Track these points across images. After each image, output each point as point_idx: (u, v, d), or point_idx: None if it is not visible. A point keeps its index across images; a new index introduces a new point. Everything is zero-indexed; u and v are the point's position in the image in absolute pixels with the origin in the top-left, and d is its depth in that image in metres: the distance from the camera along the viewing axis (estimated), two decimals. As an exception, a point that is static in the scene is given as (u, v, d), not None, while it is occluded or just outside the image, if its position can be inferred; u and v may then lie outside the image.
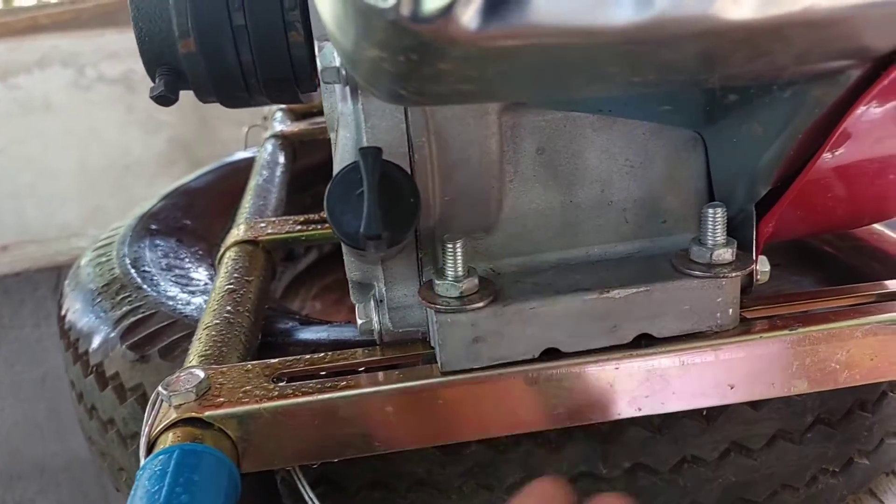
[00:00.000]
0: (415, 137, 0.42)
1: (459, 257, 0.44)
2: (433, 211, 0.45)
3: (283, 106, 1.20)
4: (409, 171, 0.43)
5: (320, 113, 1.18)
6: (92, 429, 0.67)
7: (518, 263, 0.49)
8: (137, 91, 2.53)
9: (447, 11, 0.26)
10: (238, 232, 0.72)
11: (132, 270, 0.75)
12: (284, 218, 0.74)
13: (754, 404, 0.52)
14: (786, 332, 0.46)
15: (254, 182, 0.88)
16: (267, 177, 0.88)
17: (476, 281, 0.45)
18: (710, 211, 0.45)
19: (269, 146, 1.01)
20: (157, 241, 0.83)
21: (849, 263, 0.63)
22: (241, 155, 1.10)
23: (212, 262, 0.82)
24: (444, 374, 0.45)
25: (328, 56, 0.40)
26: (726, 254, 0.45)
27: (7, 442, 1.31)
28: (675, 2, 0.27)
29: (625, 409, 0.46)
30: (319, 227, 0.71)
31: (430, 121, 0.42)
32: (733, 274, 0.45)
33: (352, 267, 0.49)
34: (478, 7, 0.26)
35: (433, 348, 0.48)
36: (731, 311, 0.46)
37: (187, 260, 0.81)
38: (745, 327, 0.47)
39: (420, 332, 0.49)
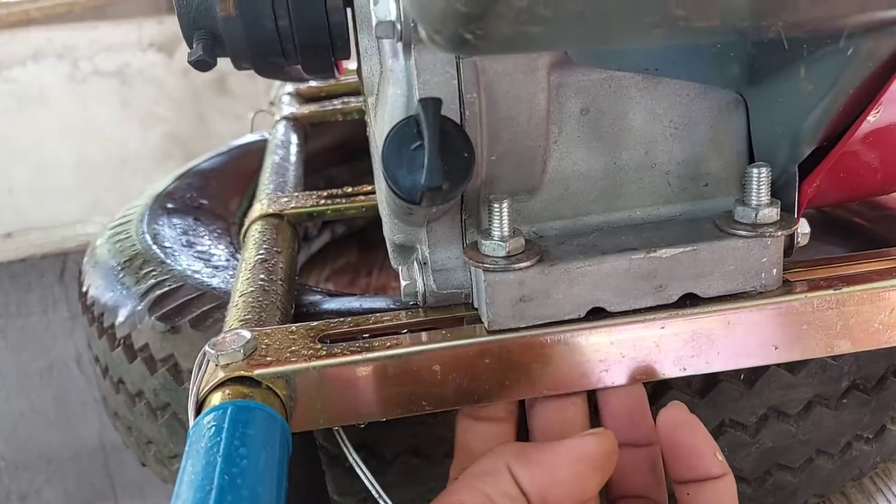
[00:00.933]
0: (466, 93, 0.42)
1: (506, 217, 0.44)
2: (480, 171, 0.45)
3: (289, 90, 1.19)
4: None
5: (328, 97, 1.17)
6: (119, 403, 0.66)
7: (561, 226, 0.49)
8: (133, 84, 2.51)
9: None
10: (262, 206, 0.71)
11: (154, 246, 0.74)
12: (307, 193, 0.74)
13: (792, 368, 0.52)
14: (830, 291, 0.46)
15: (270, 160, 0.87)
16: (283, 155, 0.88)
17: (522, 241, 0.45)
18: (755, 171, 0.45)
19: (280, 128, 1.01)
20: (175, 220, 0.83)
21: (879, 233, 0.63)
22: (251, 138, 1.09)
23: (231, 240, 0.82)
24: (491, 332, 0.45)
25: (384, 9, 0.40)
26: (771, 213, 0.45)
27: (13, 431, 1.30)
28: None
29: (670, 368, 0.46)
30: (343, 201, 0.71)
31: (481, 76, 0.42)
32: (778, 233, 0.45)
33: (395, 229, 0.49)
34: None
35: (476, 310, 0.48)
36: (775, 271, 0.46)
37: (206, 237, 0.81)
38: (788, 288, 0.47)
39: (463, 295, 0.49)
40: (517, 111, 0.44)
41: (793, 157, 0.47)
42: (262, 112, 1.25)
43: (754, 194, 0.46)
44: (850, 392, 0.54)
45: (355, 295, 0.63)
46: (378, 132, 0.48)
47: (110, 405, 0.69)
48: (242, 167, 0.99)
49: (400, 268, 0.50)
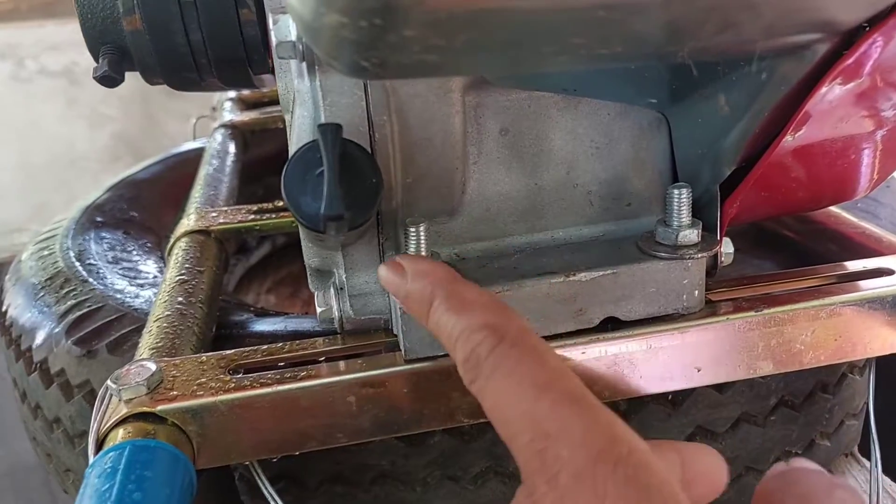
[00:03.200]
0: (375, 115, 0.41)
1: (423, 242, 0.43)
2: (395, 194, 0.44)
3: (232, 95, 1.17)
4: (370, 151, 0.41)
5: (271, 103, 1.15)
6: (36, 429, 0.64)
7: (482, 248, 0.48)
8: (81, 84, 2.46)
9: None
10: (189, 221, 0.69)
11: (77, 263, 0.72)
12: (237, 207, 0.71)
13: (720, 388, 0.52)
14: (752, 313, 0.46)
15: (204, 171, 0.85)
16: (217, 166, 0.86)
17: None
18: (676, 192, 0.45)
19: (218, 136, 0.98)
20: (103, 234, 0.80)
21: (808, 247, 0.63)
22: (190, 146, 1.07)
23: (161, 254, 0.79)
24: (409, 361, 0.44)
25: (284, 30, 0.38)
26: (692, 235, 0.45)
27: (-55, 448, 1.26)
28: (649, -34, 0.26)
29: (598, 395, 0.45)
30: (273, 216, 0.69)
31: (391, 98, 0.41)
32: (699, 255, 0.45)
33: (310, 253, 0.47)
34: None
35: (396, 336, 0.46)
36: (696, 292, 0.46)
37: (135, 252, 0.78)
38: (710, 309, 0.47)
39: (382, 320, 0.48)
40: (431, 133, 0.42)
41: (714, 177, 0.46)
42: (204, 118, 1.22)
43: (675, 215, 0.45)
44: (778, 408, 0.54)
45: (284, 314, 0.62)
46: (290, 152, 0.46)
47: (30, 431, 0.67)
48: (179, 177, 0.96)
49: (316, 293, 0.48)
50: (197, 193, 0.78)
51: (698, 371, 0.46)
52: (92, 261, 0.73)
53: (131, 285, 0.68)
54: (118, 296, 0.65)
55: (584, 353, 0.44)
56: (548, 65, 0.37)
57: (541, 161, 0.47)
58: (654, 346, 0.45)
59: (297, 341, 0.48)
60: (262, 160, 1.04)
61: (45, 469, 1.27)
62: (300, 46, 0.38)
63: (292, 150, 0.43)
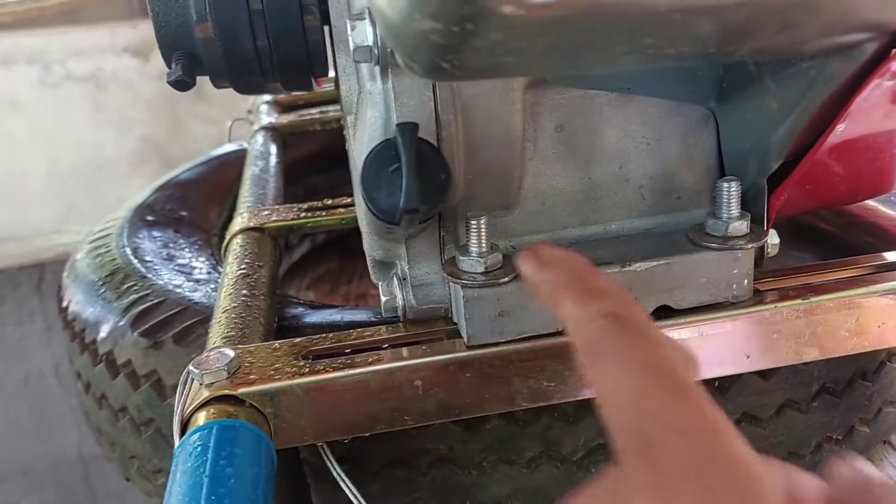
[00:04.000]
0: (443, 114, 0.43)
1: (483, 234, 0.45)
2: (457, 188, 0.46)
3: (267, 99, 1.19)
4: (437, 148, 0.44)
5: (306, 105, 1.18)
6: (101, 419, 0.67)
7: (538, 240, 0.50)
8: (107, 89, 2.49)
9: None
10: (243, 219, 0.72)
11: (134, 260, 0.74)
12: (288, 206, 0.74)
13: (764, 374, 0.54)
14: (799, 301, 0.48)
15: (249, 172, 0.88)
16: (262, 167, 0.88)
17: (500, 257, 0.46)
18: (725, 185, 0.47)
19: (259, 138, 1.01)
20: (155, 232, 0.83)
21: (845, 239, 0.65)
22: (229, 147, 1.10)
23: (211, 252, 0.82)
24: (471, 347, 0.46)
25: (361, 35, 0.41)
26: (741, 226, 0.47)
27: (-10, 444, 1.29)
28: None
29: (646, 378, 0.47)
30: (323, 213, 0.72)
31: (457, 98, 0.43)
32: (749, 245, 0.47)
33: (374, 246, 0.50)
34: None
35: (456, 324, 0.49)
36: (745, 282, 0.48)
37: (187, 250, 0.81)
38: (758, 298, 0.49)
39: (443, 309, 0.50)
40: (493, 131, 0.45)
41: (761, 171, 0.48)
42: (239, 120, 1.25)
43: (724, 207, 0.47)
44: (820, 395, 0.56)
45: (336, 307, 0.64)
46: (357, 152, 0.49)
47: (93, 421, 0.70)
48: (222, 178, 0.99)
49: (380, 283, 0.51)
50: (247, 193, 0.81)
51: (748, 357, 0.48)
52: (148, 257, 0.76)
53: (188, 280, 0.71)
54: (178, 290, 0.68)
55: (638, 339, 0.47)
56: (615, 65, 0.39)
57: (594, 156, 0.49)
58: (705, 333, 0.47)
59: (363, 329, 0.50)
60: (300, 161, 1.07)
61: (85, 464, 1.31)
62: (376, 51, 0.41)
63: (361, 148, 0.45)
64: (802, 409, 0.56)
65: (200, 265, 0.77)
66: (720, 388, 0.54)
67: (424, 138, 0.42)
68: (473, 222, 0.45)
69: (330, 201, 0.74)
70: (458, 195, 0.46)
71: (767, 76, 0.44)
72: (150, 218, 0.86)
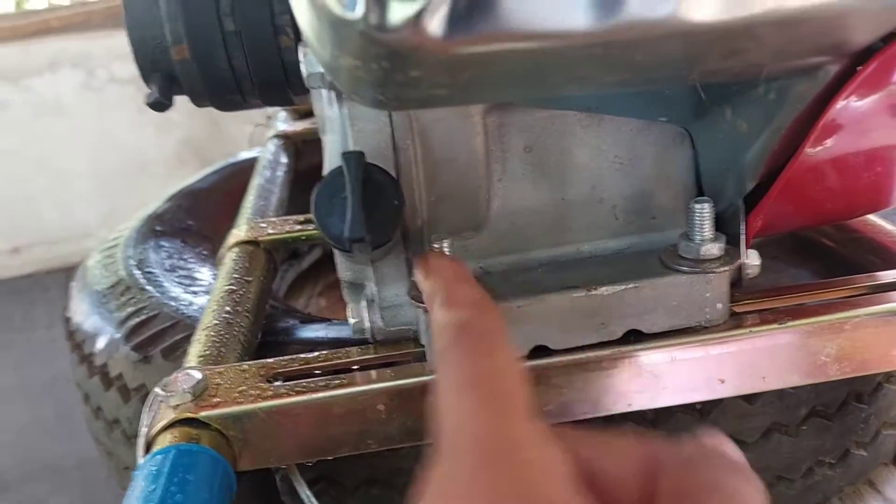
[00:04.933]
0: (399, 140, 0.43)
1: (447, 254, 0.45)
2: (420, 211, 0.46)
3: (281, 108, 1.20)
4: (395, 174, 0.43)
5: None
6: (98, 429, 0.68)
7: (508, 262, 0.49)
8: (148, 91, 2.54)
9: (414, 21, 0.26)
10: (239, 232, 0.72)
11: (136, 272, 0.76)
12: (285, 218, 0.74)
13: (748, 398, 0.52)
14: (775, 325, 0.46)
15: (255, 182, 0.88)
16: (269, 177, 0.89)
17: (465, 279, 0.45)
18: (698, 206, 0.45)
19: (271, 146, 1.02)
20: (162, 242, 0.84)
21: (845, 255, 0.63)
22: (245, 155, 1.11)
23: (214, 263, 0.83)
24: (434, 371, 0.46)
25: (313, 62, 0.41)
26: (714, 249, 0.46)
27: (17, 443, 1.33)
28: (641, 5, 0.28)
29: (615, 404, 0.47)
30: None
31: (414, 123, 0.43)
32: (721, 269, 0.45)
33: (343, 267, 0.50)
34: (444, 15, 0.26)
35: (423, 346, 0.48)
36: (719, 305, 0.46)
37: (191, 260, 0.82)
38: (735, 322, 0.47)
39: (411, 331, 0.50)
40: (454, 153, 0.44)
41: (738, 191, 0.47)
42: (260, 126, 1.27)
43: (697, 229, 0.46)
44: (809, 419, 0.54)
45: (327, 321, 0.64)
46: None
47: (92, 430, 0.71)
48: (234, 186, 1.00)
49: (350, 304, 0.50)
50: (248, 204, 0.81)
51: (722, 383, 0.47)
52: (150, 269, 0.77)
53: (186, 293, 0.72)
54: (172, 303, 0.68)
55: (606, 364, 0.46)
56: (556, 91, 0.39)
57: (566, 177, 0.48)
58: (676, 357, 0.46)
59: (332, 351, 0.50)
60: (315, 169, 1.07)
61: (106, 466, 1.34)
62: (328, 77, 0.41)
63: (325, 173, 0.45)
64: (791, 432, 0.54)
65: (203, 277, 0.78)
66: (701, 411, 0.52)
67: (377, 164, 0.41)
68: (436, 245, 0.44)
69: (326, 214, 0.74)
70: (420, 218, 0.46)
71: (731, 97, 0.43)
72: (158, 228, 0.88)
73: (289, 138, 1.04)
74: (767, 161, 0.45)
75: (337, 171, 0.41)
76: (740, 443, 0.53)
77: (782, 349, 0.47)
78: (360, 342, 0.52)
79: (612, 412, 0.47)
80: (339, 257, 0.49)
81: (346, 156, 0.38)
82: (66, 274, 1.72)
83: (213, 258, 0.84)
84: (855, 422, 0.56)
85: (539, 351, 0.46)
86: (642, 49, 0.31)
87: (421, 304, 0.44)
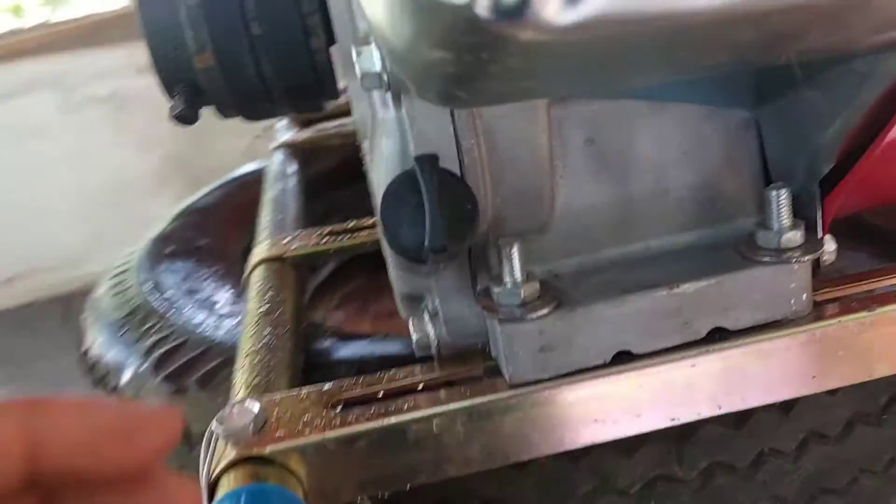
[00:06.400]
0: (463, 140, 0.40)
1: (517, 261, 0.42)
2: (485, 215, 0.43)
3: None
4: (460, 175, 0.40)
5: (326, 118, 1.15)
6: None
7: (576, 263, 0.46)
8: (128, 109, 2.49)
9: (530, 5, 0.23)
10: (262, 249, 0.69)
11: (154, 297, 0.72)
12: (308, 231, 0.71)
13: (830, 389, 0.50)
14: (864, 313, 0.44)
15: (269, 195, 0.85)
16: (281, 188, 0.86)
17: (537, 285, 0.42)
18: (774, 192, 0.43)
19: (277, 157, 0.99)
20: (175, 264, 0.81)
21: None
22: (248, 168, 1.07)
23: (235, 280, 0.80)
24: (513, 387, 0.43)
25: (368, 61, 0.38)
26: (795, 236, 0.43)
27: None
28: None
29: (705, 407, 0.44)
30: (346, 237, 0.69)
31: (477, 121, 0.40)
32: (805, 257, 0.43)
33: (401, 280, 0.46)
34: (562, -2, 0.23)
35: (494, 359, 0.45)
36: (804, 296, 0.44)
37: (209, 281, 0.78)
38: (819, 312, 0.45)
39: (479, 343, 0.47)
40: (519, 151, 0.41)
41: (811, 175, 0.44)
42: (260, 137, 1.23)
43: (775, 217, 0.43)
44: (890, 406, 0.52)
45: (366, 337, 0.61)
46: (375, 181, 0.46)
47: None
48: (242, 200, 0.97)
49: (410, 319, 0.47)
50: (266, 219, 0.78)
51: (813, 377, 0.44)
52: (169, 293, 0.73)
53: (210, 316, 0.68)
54: (200, 328, 0.65)
55: (693, 366, 0.43)
56: (650, 79, 0.36)
57: (629, 169, 0.45)
58: (765, 353, 0.43)
59: (394, 370, 0.47)
60: (322, 177, 1.04)
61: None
62: (385, 77, 0.38)
63: (379, 178, 0.42)
64: (872, 422, 0.52)
65: (223, 298, 0.74)
66: (783, 406, 0.50)
67: (445, 167, 0.38)
68: (506, 249, 0.41)
69: (352, 223, 0.71)
70: (486, 220, 0.43)
71: (816, 75, 0.40)
72: (169, 249, 0.84)
73: (295, 147, 1.01)
74: (845, 141, 0.42)
75: (402, 179, 0.38)
76: (823, 437, 0.51)
77: (872, 337, 0.44)
78: (411, 359, 0.49)
79: (702, 416, 0.44)
80: (396, 270, 0.46)
81: (420, 159, 0.35)
82: (64, 302, 1.67)
83: (230, 276, 0.81)
84: (935, 406, 0.54)
85: (621, 356, 0.43)
86: (758, 25, 0.28)
87: (495, 316, 0.42)
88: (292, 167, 0.95)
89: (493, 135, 0.40)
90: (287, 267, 0.66)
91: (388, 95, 0.39)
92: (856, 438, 0.52)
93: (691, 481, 0.50)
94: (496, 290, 0.42)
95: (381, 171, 0.42)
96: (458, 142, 0.40)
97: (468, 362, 0.46)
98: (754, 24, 0.28)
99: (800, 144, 0.44)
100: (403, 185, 0.38)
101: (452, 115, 0.39)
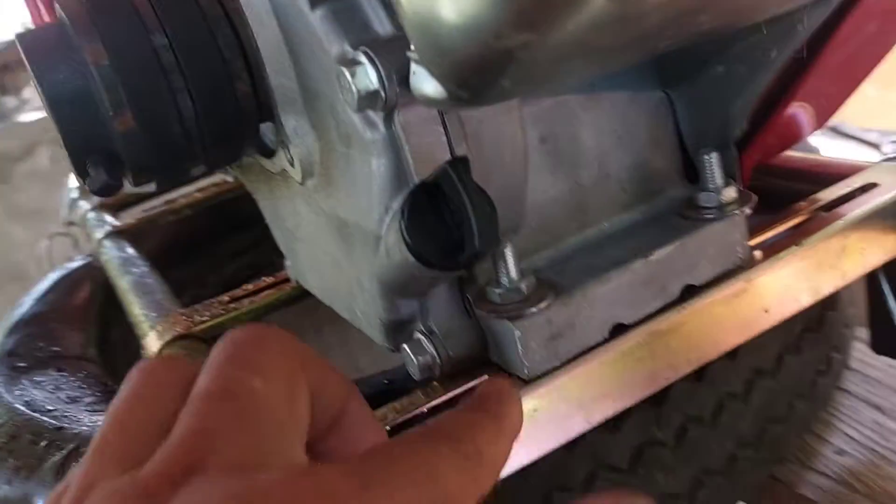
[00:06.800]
0: (456, 147, 0.41)
1: (511, 260, 0.43)
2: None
3: (88, 206, 1.08)
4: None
5: (138, 201, 1.08)
6: None
7: (547, 256, 0.48)
8: None
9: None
10: (160, 332, 0.63)
11: (37, 415, 0.63)
12: (206, 303, 0.66)
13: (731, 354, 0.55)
14: (794, 247, 0.50)
15: (124, 284, 0.78)
16: (140, 272, 0.79)
17: (534, 279, 0.44)
18: (706, 157, 0.48)
19: (108, 245, 0.91)
20: (37, 378, 0.71)
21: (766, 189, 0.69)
22: (74, 265, 0.98)
23: (106, 382, 0.72)
24: (529, 381, 0.43)
25: (364, 79, 0.37)
26: (731, 192, 0.48)
27: None
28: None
29: (692, 361, 0.47)
30: (250, 300, 0.66)
31: (466, 127, 0.41)
32: (746, 209, 0.48)
33: (387, 309, 0.45)
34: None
35: (496, 364, 0.46)
36: (746, 243, 0.49)
37: (83, 386, 0.70)
38: (759, 254, 0.50)
39: (476, 353, 0.47)
40: (502, 152, 0.43)
41: (726, 140, 0.50)
42: (60, 235, 1.12)
43: (711, 179, 0.48)
44: (804, 335, 0.59)
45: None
46: (345, 211, 0.45)
47: None
48: (81, 300, 0.88)
49: (404, 346, 0.46)
50: (136, 306, 0.71)
51: (766, 312, 0.50)
52: (49, 406, 0.65)
53: (113, 418, 0.61)
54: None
55: (674, 323, 0.46)
56: (643, 55, 0.39)
57: (578, 160, 0.49)
58: (730, 300, 0.48)
59: (395, 402, 0.45)
60: (155, 259, 0.97)
61: None
62: (383, 93, 0.37)
63: (353, 209, 0.42)
64: (793, 350, 0.58)
65: (110, 395, 0.67)
66: (729, 353, 0.55)
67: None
68: (499, 251, 0.42)
69: (251, 286, 0.67)
70: (473, 228, 0.44)
71: (731, 48, 0.46)
72: (21, 365, 0.74)
73: (125, 232, 0.93)
74: (757, 102, 0.48)
75: (416, 193, 0.37)
76: (762, 372, 0.57)
77: (807, 265, 0.50)
78: (397, 390, 0.48)
79: (692, 369, 0.47)
80: (380, 300, 0.45)
81: (454, 164, 0.35)
82: None
83: (102, 378, 0.73)
84: (831, 330, 0.62)
85: (615, 330, 0.45)
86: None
87: (506, 315, 0.42)
88: (130, 251, 0.88)
89: (480, 138, 0.41)
90: (200, 342, 0.61)
91: (378, 115, 0.39)
92: (787, 369, 0.58)
93: (669, 441, 0.54)
94: (497, 291, 0.43)
95: (366, 194, 0.41)
96: (451, 149, 0.40)
97: (469, 375, 0.46)
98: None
99: (712, 115, 0.50)
100: (419, 200, 0.37)
101: (444, 124, 0.40)
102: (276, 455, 0.26)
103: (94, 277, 0.93)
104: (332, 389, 0.32)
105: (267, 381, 0.28)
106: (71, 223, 1.11)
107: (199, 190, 1.00)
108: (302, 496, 0.24)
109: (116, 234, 0.93)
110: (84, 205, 1.07)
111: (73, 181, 1.15)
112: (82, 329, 0.84)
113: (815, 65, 0.45)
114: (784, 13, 0.42)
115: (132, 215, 0.98)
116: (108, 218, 1.00)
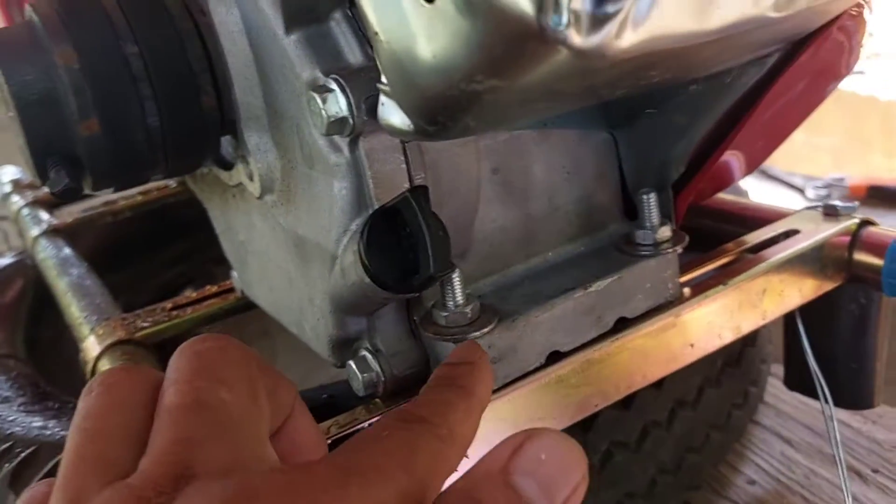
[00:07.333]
0: (415, 175, 0.43)
1: (458, 284, 0.45)
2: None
3: (24, 202, 1.05)
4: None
5: (69, 201, 1.06)
6: None
7: (492, 282, 0.51)
8: None
9: (608, 31, 0.28)
10: (100, 336, 0.63)
11: (-33, 414, 0.62)
12: (148, 309, 0.66)
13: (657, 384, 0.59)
14: (720, 287, 0.54)
15: (62, 286, 0.77)
16: (78, 273, 0.78)
17: (478, 303, 0.46)
18: (646, 197, 0.51)
19: (44, 243, 0.89)
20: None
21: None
22: (2, 262, 0.96)
23: (36, 381, 0.71)
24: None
25: (334, 106, 0.39)
26: (666, 231, 0.52)
27: None
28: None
29: (621, 389, 0.50)
30: (193, 308, 0.66)
31: (425, 156, 0.43)
32: (679, 248, 0.51)
33: (336, 325, 0.47)
34: (622, 21, 0.28)
35: (437, 384, 0.48)
36: (677, 280, 0.53)
37: (12, 385, 0.69)
38: (688, 292, 0.54)
39: (419, 372, 0.49)
40: (459, 182, 0.45)
41: (664, 181, 0.54)
42: (-11, 230, 1.10)
43: (648, 217, 0.51)
44: (724, 369, 0.63)
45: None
46: (303, 229, 0.46)
47: None
48: (11, 299, 0.87)
49: (350, 362, 0.48)
50: (75, 308, 0.71)
51: (692, 346, 0.53)
52: (-18, 407, 0.64)
53: (46, 417, 0.61)
54: (46, 431, 0.58)
55: (607, 353, 0.49)
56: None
57: (528, 193, 0.51)
58: (659, 334, 0.51)
59: (338, 418, 0.47)
60: (97, 254, 0.96)
61: None
62: (351, 120, 0.39)
63: (325, 222, 0.43)
64: (714, 383, 0.62)
65: (42, 395, 0.66)
66: (655, 385, 0.58)
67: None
68: (447, 276, 0.44)
69: (194, 294, 0.68)
70: (424, 252, 0.46)
71: (672, 98, 0.49)
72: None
73: (62, 231, 0.92)
74: (694, 148, 0.52)
75: (376, 219, 0.39)
76: (684, 403, 0.60)
77: (731, 303, 0.54)
78: (335, 406, 0.49)
79: (619, 398, 0.50)
80: (331, 316, 0.46)
81: (414, 192, 0.37)
82: None
83: (33, 377, 0.72)
84: (748, 366, 0.66)
85: (551, 357, 0.48)
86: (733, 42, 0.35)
87: (450, 338, 0.44)
88: (67, 251, 0.87)
89: (438, 168, 0.43)
90: (141, 349, 0.61)
91: (344, 141, 0.41)
92: (706, 400, 0.62)
93: (595, 465, 0.57)
94: (442, 314, 0.45)
95: (326, 214, 0.43)
96: (410, 177, 0.42)
97: (410, 392, 0.48)
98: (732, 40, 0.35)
99: (652, 158, 0.53)
100: (378, 225, 0.39)
101: (405, 152, 0.42)
102: (255, 459, 0.28)
103: (25, 275, 0.92)
104: (281, 394, 0.34)
105: (232, 391, 0.30)
106: (2, 217, 1.09)
107: (141, 193, 0.99)
108: (294, 490, 0.26)
109: (53, 232, 0.92)
110: (17, 200, 1.05)
111: (5, 174, 1.12)
112: (11, 328, 0.82)
113: (750, 117, 0.49)
114: (723, 70, 0.45)
115: (69, 213, 0.97)
116: (44, 215, 0.98)
